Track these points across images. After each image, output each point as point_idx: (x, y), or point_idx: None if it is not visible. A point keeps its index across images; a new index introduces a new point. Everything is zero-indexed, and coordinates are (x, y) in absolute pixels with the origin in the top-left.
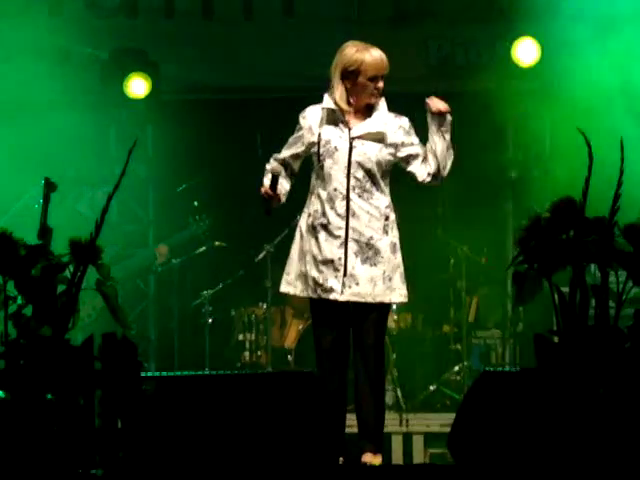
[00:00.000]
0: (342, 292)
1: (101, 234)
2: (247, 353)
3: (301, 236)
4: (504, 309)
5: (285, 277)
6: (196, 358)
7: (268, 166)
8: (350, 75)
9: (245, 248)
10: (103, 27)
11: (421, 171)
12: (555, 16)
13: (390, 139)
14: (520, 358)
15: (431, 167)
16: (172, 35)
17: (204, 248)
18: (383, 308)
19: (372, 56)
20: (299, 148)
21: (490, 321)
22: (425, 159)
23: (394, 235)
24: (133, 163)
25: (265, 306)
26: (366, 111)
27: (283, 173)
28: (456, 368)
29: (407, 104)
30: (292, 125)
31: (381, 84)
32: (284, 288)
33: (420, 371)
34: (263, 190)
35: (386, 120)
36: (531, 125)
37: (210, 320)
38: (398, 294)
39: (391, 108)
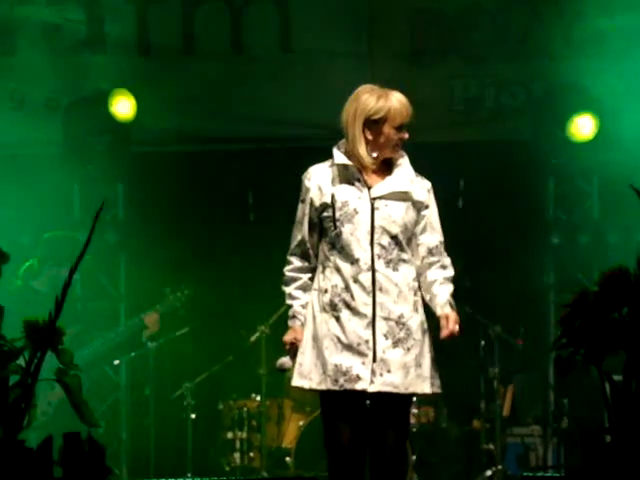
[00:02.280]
0: (372, 381)
1: (62, 312)
2: (237, 455)
3: (313, 318)
4: (545, 401)
5: (298, 368)
6: (176, 461)
7: (287, 289)
8: (374, 125)
9: (235, 329)
10: (63, 66)
11: (432, 242)
12: (600, 51)
13: (416, 197)
14: (565, 460)
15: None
16: (146, 75)
17: (186, 329)
18: (407, 399)
19: (399, 101)
20: (313, 215)
21: (528, 415)
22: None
23: (422, 313)
24: (101, 228)
25: (259, 398)
26: (385, 167)
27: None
28: (488, 472)
29: (428, 157)
30: (291, 183)
31: (406, 135)
32: (297, 381)
33: (445, 476)
34: (288, 342)
35: (411, 177)
36: (577, 180)
37: (193, 416)
38: (430, 384)
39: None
